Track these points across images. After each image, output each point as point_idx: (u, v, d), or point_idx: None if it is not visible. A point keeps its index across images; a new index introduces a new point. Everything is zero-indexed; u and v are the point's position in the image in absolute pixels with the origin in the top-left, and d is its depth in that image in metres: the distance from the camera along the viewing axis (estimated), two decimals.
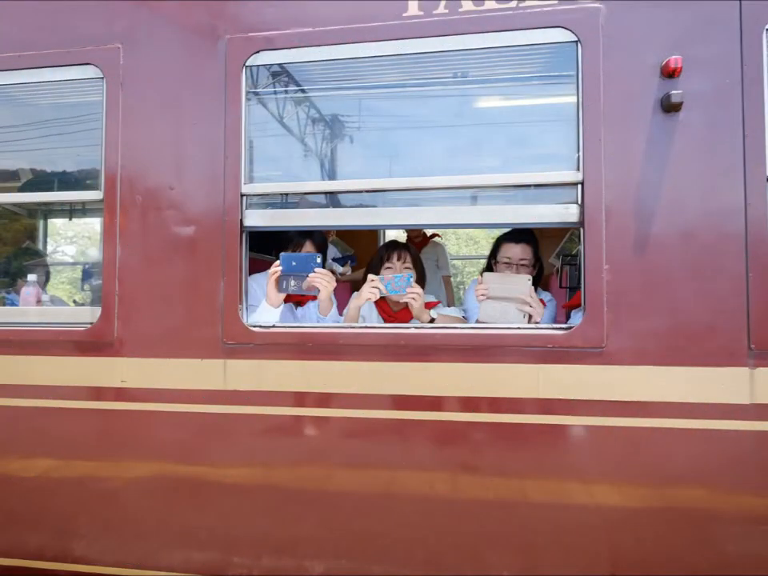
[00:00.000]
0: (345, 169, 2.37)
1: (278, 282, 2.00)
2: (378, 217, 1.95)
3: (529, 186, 1.79)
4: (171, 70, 1.96)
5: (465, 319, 2.31)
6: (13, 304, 2.74)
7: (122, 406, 1.94)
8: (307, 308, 2.41)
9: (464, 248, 15.19)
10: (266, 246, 2.69)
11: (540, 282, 2.34)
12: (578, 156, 1.72)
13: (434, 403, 1.77)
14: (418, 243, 4.20)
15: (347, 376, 1.82)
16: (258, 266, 2.30)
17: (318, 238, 2.41)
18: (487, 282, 1.97)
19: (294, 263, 1.99)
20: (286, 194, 1.99)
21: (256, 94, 1.99)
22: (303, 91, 2.16)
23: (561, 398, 1.71)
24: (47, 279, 3.36)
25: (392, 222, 2.00)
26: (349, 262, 3.66)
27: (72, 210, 3.70)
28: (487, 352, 1.75)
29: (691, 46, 1.67)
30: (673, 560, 1.67)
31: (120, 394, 1.94)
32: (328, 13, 1.86)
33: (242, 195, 1.89)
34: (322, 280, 1.98)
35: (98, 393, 1.97)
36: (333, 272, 2.63)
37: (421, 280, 2.30)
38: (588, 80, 1.71)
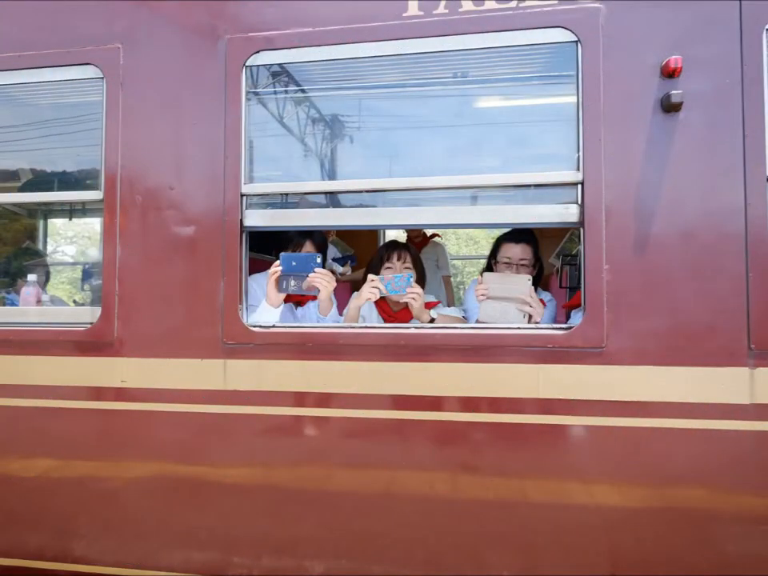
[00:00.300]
0: (345, 169, 2.37)
1: (278, 282, 2.00)
2: (377, 217, 1.95)
3: (529, 185, 1.79)
4: (171, 70, 1.96)
5: (465, 319, 2.31)
6: (13, 304, 2.74)
7: (121, 406, 1.94)
8: (307, 308, 2.41)
9: (464, 248, 15.19)
10: (266, 245, 2.69)
11: (540, 282, 2.34)
12: (578, 156, 1.72)
13: (434, 403, 1.77)
14: (418, 243, 4.20)
15: (347, 376, 1.82)
16: (258, 266, 2.30)
17: (318, 238, 2.41)
18: (487, 282, 1.97)
19: (294, 263, 1.99)
20: (286, 194, 1.99)
21: (256, 94, 1.99)
22: (303, 91, 2.16)
23: (561, 397, 1.71)
24: (47, 279, 3.36)
25: (392, 222, 2.00)
26: (349, 261, 3.66)
27: (72, 210, 3.70)
28: (487, 352, 1.75)
29: (691, 45, 1.67)
30: (673, 560, 1.67)
31: (120, 394, 1.94)
32: (328, 13, 1.86)
33: (242, 195, 1.89)
34: (322, 280, 1.98)
35: (97, 393, 1.97)
36: (333, 272, 2.63)
37: (421, 280, 2.30)
38: (588, 80, 1.71)
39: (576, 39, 1.72)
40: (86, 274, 3.77)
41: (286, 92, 2.13)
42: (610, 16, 1.70)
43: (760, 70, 1.63)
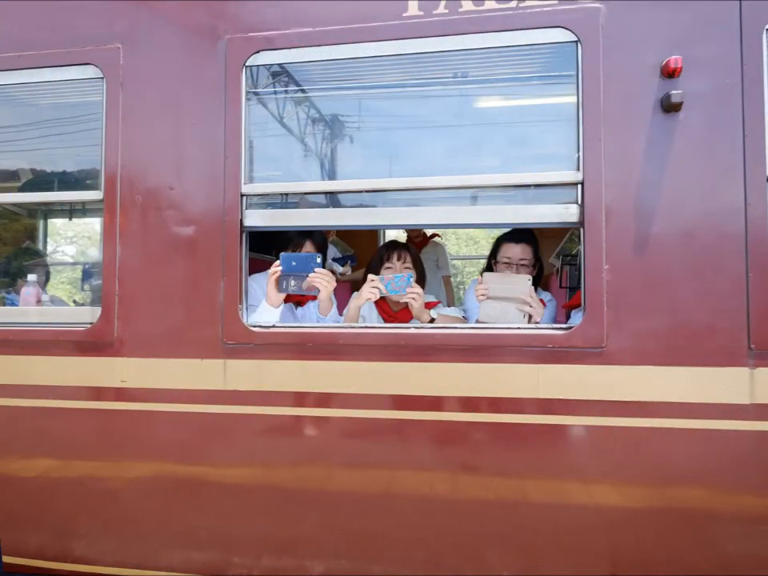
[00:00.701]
0: (345, 169, 2.37)
1: (278, 282, 2.00)
2: (377, 217, 1.95)
3: (529, 185, 1.79)
4: (171, 70, 1.96)
5: (465, 319, 2.31)
6: (13, 304, 2.74)
7: (121, 406, 1.94)
8: (307, 308, 2.41)
9: (464, 248, 15.18)
10: (266, 246, 2.69)
11: (540, 282, 2.34)
12: (578, 156, 1.72)
13: (434, 403, 1.77)
14: (418, 243, 4.20)
15: (347, 376, 1.82)
16: (258, 266, 2.30)
17: (318, 238, 2.41)
18: (487, 282, 1.97)
19: (294, 263, 1.99)
20: (286, 194, 1.99)
21: (256, 93, 1.99)
22: (303, 91, 2.16)
23: (561, 397, 1.71)
24: (47, 279, 3.36)
25: (392, 222, 2.00)
26: (349, 261, 3.66)
27: (72, 210, 3.70)
28: (487, 352, 1.75)
29: (691, 45, 1.67)
30: (673, 560, 1.67)
31: (120, 394, 1.94)
32: (328, 13, 1.86)
33: (242, 195, 1.89)
34: (322, 280, 1.98)
35: (98, 393, 1.97)
36: (333, 272, 2.63)
37: (421, 280, 2.30)
38: (588, 80, 1.71)
39: (576, 39, 1.72)
40: (86, 274, 3.77)
41: (286, 92, 2.13)
42: (610, 16, 1.70)
43: (760, 70, 1.63)
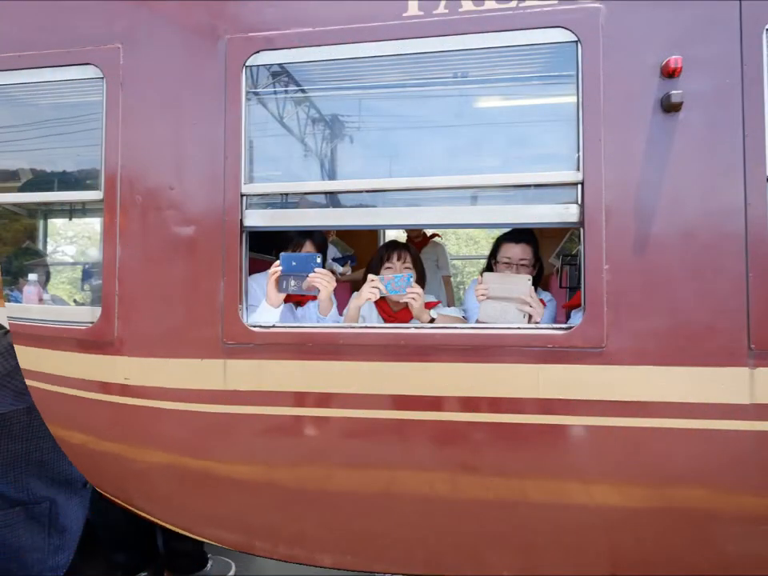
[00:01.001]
0: (345, 169, 2.37)
1: (278, 282, 2.00)
2: (377, 217, 1.95)
3: (529, 186, 1.79)
4: (171, 70, 1.96)
5: (465, 319, 2.31)
6: (16, 301, 2.74)
7: (122, 403, 1.94)
8: (307, 308, 2.42)
9: (464, 248, 15.16)
10: (266, 246, 2.69)
11: (540, 282, 2.35)
12: (578, 156, 1.72)
13: (434, 403, 1.77)
14: (418, 243, 4.20)
15: (347, 376, 1.82)
16: (258, 266, 2.30)
17: (318, 238, 2.41)
18: (487, 282, 1.97)
19: (294, 263, 1.99)
20: (286, 194, 1.99)
21: (256, 93, 1.99)
22: (303, 91, 2.16)
23: (561, 397, 1.71)
24: (47, 279, 3.36)
25: (392, 221, 2.00)
26: (349, 261, 3.66)
27: (72, 210, 3.70)
28: (487, 352, 1.75)
29: (691, 45, 1.66)
30: (673, 560, 1.67)
31: (120, 393, 1.94)
32: (328, 13, 1.86)
33: (242, 195, 1.89)
34: (322, 280, 1.98)
35: (97, 392, 1.96)
36: (333, 272, 2.63)
37: (421, 280, 2.30)
38: (588, 80, 1.70)
39: (576, 39, 1.72)
40: (86, 274, 3.77)
41: (286, 92, 2.13)
42: (610, 16, 1.70)
43: (760, 70, 1.63)
